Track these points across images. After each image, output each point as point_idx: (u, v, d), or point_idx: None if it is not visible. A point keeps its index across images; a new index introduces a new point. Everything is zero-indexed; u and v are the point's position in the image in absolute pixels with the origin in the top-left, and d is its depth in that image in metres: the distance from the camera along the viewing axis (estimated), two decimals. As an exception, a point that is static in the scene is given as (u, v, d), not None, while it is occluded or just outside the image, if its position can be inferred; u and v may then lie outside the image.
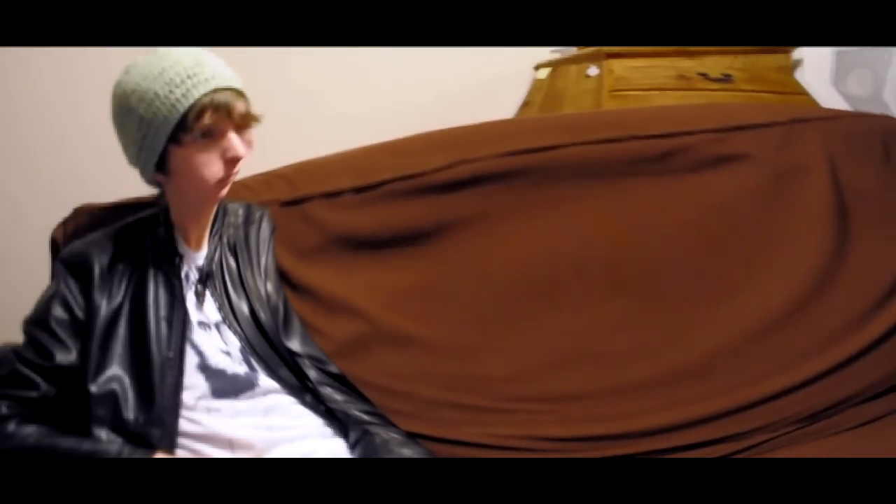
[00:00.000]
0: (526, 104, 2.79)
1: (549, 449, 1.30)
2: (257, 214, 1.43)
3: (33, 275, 1.80)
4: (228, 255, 1.35)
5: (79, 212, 1.51)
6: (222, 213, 1.38)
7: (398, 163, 1.34)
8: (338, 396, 1.31)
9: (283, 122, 2.52)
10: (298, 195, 1.36)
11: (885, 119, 1.96)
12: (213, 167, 1.24)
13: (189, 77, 1.20)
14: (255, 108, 1.28)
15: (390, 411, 1.26)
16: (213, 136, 1.23)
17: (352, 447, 1.29)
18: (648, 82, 2.53)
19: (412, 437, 1.33)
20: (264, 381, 1.28)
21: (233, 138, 1.23)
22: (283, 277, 1.32)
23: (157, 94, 1.20)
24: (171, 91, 1.20)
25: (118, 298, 1.27)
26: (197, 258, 1.33)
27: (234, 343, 1.29)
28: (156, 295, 1.27)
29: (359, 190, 1.31)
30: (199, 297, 1.30)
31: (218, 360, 1.26)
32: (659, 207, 1.40)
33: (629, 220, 1.39)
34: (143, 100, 1.21)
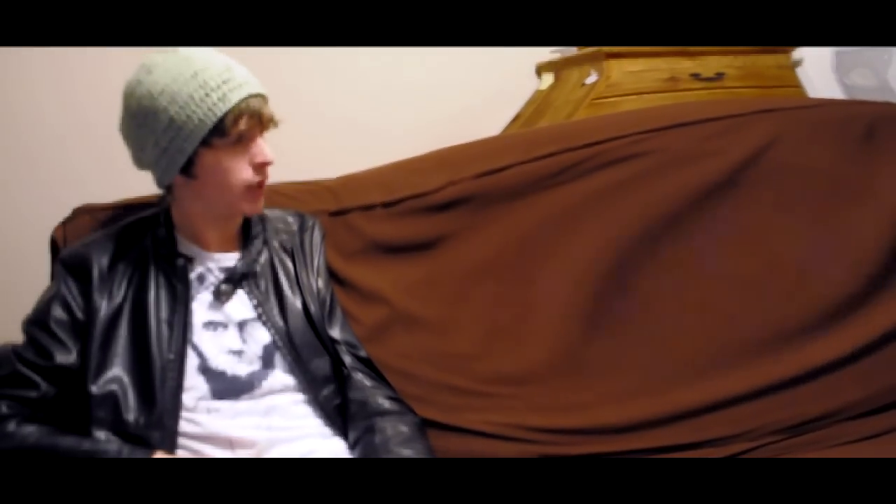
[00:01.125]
0: (516, 118, 2.81)
1: (538, 440, 1.44)
2: (310, 223, 1.45)
3: (33, 275, 1.80)
4: (284, 257, 1.38)
5: (79, 212, 1.51)
6: (258, 218, 1.39)
7: (413, 181, 1.59)
8: (367, 382, 1.35)
9: (288, 124, 2.52)
10: (343, 207, 1.56)
11: (879, 105, 1.95)
12: (242, 172, 1.25)
13: (224, 82, 1.21)
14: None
15: (406, 395, 1.39)
16: (243, 142, 1.24)
17: (352, 447, 1.30)
18: (638, 87, 2.53)
19: (424, 427, 1.35)
20: (272, 380, 1.28)
21: (261, 144, 1.26)
22: (332, 275, 1.46)
23: (191, 97, 1.20)
24: (206, 95, 1.20)
25: (118, 299, 1.27)
26: (221, 259, 1.33)
27: (260, 340, 1.29)
28: (157, 296, 1.27)
29: (386, 205, 1.56)
30: (222, 297, 1.30)
31: (219, 362, 1.27)
32: (571, 209, 1.59)
33: (561, 223, 1.59)
34: (176, 102, 1.21)
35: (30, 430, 1.19)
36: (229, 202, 1.28)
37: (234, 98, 1.21)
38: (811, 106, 1.85)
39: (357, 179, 1.67)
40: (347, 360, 1.35)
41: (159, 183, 1.31)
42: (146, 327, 1.25)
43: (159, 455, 1.16)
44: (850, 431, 1.50)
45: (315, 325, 1.33)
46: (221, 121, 1.21)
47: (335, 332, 1.37)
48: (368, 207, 1.56)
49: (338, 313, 1.40)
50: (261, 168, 1.27)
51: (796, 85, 2.79)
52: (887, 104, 2.00)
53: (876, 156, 1.76)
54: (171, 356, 1.23)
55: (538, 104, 2.73)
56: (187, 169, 1.25)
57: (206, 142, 1.22)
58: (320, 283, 1.40)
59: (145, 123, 1.24)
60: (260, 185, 1.28)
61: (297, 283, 1.36)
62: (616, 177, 1.58)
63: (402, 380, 1.41)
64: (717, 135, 1.66)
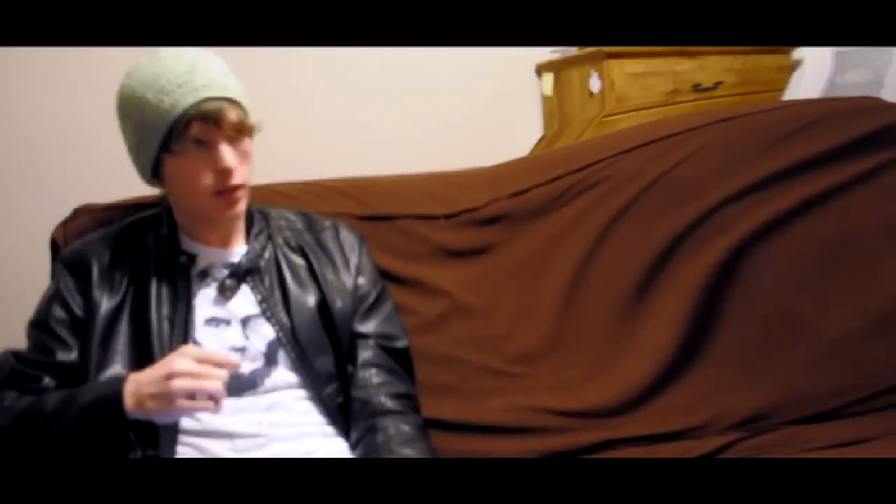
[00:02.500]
0: (542, 139, 2.88)
1: (549, 427, 1.56)
2: (326, 223, 1.43)
3: (33, 276, 1.80)
4: (290, 253, 1.36)
5: (79, 212, 1.51)
6: (261, 215, 1.38)
7: (466, 197, 1.76)
8: (375, 380, 1.33)
9: (289, 124, 2.52)
10: (383, 213, 1.67)
11: (840, 101, 1.99)
12: (204, 178, 1.22)
13: (179, 86, 1.19)
14: (255, 116, 1.26)
15: (441, 385, 1.53)
16: (204, 147, 1.21)
17: (353, 446, 1.30)
18: (644, 100, 2.57)
19: (426, 427, 1.35)
20: (275, 377, 1.28)
21: (223, 150, 1.21)
22: (387, 275, 1.54)
23: (149, 102, 1.20)
24: (161, 100, 1.19)
25: (119, 296, 1.27)
26: (224, 255, 1.32)
27: (264, 336, 1.29)
28: (158, 293, 1.27)
29: (448, 216, 1.73)
30: (226, 292, 1.29)
31: None
32: (563, 227, 1.77)
33: (560, 236, 1.77)
34: (139, 107, 1.21)
35: (23, 400, 1.19)
36: (199, 208, 1.26)
37: (185, 103, 1.19)
38: (757, 112, 1.89)
39: (386, 185, 1.76)
40: (367, 354, 1.34)
41: (146, 183, 1.32)
42: (147, 324, 1.24)
43: (131, 379, 1.14)
44: (811, 436, 1.54)
45: (333, 321, 1.32)
46: (174, 126, 1.19)
47: (369, 327, 1.37)
48: (428, 217, 1.71)
49: (382, 309, 1.40)
50: (222, 175, 1.22)
51: (781, 88, 2.82)
52: (851, 99, 2.00)
53: (772, 152, 1.80)
54: None
55: (559, 125, 2.79)
56: (157, 173, 1.25)
57: (165, 147, 1.21)
58: (361, 280, 1.39)
59: (124, 128, 1.26)
60: (231, 189, 1.24)
61: (314, 280, 1.35)
62: (588, 201, 1.77)
63: (447, 366, 1.57)
64: (655, 156, 1.81)
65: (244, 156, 1.25)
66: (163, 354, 1.21)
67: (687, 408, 1.60)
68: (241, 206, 1.28)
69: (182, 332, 1.25)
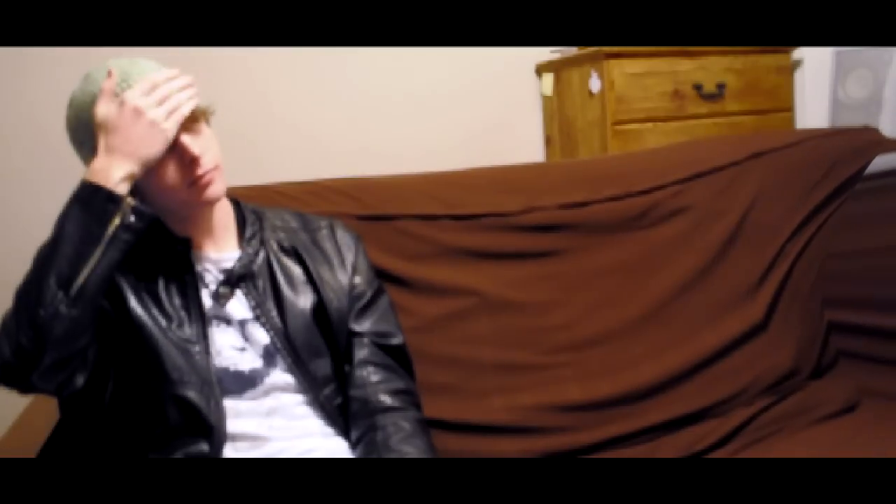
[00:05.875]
0: (549, 142, 2.89)
1: (558, 426, 1.59)
2: (322, 223, 1.42)
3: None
4: (283, 256, 1.34)
5: (79, 212, 1.50)
6: (255, 217, 1.37)
7: (479, 200, 1.74)
8: (373, 377, 1.34)
9: (289, 125, 2.53)
10: (381, 213, 1.66)
11: (849, 134, 2.09)
12: (174, 175, 1.19)
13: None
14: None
15: (436, 385, 1.53)
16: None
17: (353, 445, 1.30)
18: (645, 106, 2.59)
19: (426, 423, 1.36)
20: (274, 377, 1.28)
21: (185, 141, 1.18)
22: (387, 275, 1.55)
23: (88, 124, 1.18)
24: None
25: (124, 292, 1.24)
26: (218, 261, 1.30)
27: (260, 340, 1.28)
28: (166, 287, 1.25)
29: (456, 217, 1.70)
30: (220, 300, 1.28)
31: (225, 356, 1.26)
32: (655, 249, 1.84)
33: (649, 258, 1.84)
34: (87, 129, 1.19)
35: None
36: (178, 204, 1.23)
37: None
38: (783, 147, 2.00)
39: (384, 186, 1.77)
40: (364, 353, 1.34)
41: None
42: (162, 314, 1.24)
43: (94, 165, 1.15)
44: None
45: (329, 320, 1.32)
46: None
47: (364, 326, 1.36)
48: (430, 217, 1.69)
49: (377, 308, 1.39)
50: (191, 165, 1.19)
51: (783, 96, 2.83)
52: (851, 133, 2.09)
53: (809, 196, 1.97)
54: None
55: (559, 123, 2.80)
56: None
57: None
58: (357, 279, 1.38)
59: (85, 156, 1.24)
60: (203, 175, 1.20)
61: (309, 281, 1.33)
62: (682, 225, 1.86)
63: (442, 367, 1.57)
64: (723, 189, 1.91)
65: (206, 139, 1.22)
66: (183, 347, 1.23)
67: (735, 372, 1.73)
68: (219, 188, 1.23)
69: (199, 317, 1.25)
